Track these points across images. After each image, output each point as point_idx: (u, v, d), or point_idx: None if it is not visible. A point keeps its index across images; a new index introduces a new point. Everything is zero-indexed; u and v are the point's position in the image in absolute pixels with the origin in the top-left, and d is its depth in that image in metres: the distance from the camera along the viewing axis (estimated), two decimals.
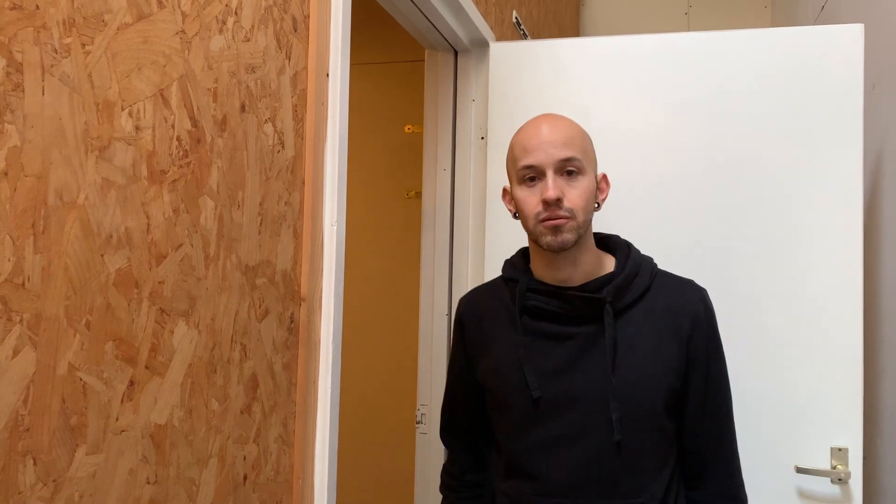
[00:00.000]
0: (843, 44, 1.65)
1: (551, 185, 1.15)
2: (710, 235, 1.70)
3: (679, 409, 1.22)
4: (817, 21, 2.43)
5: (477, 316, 1.31)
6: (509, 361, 1.22)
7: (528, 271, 1.26)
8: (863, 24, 1.64)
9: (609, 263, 1.25)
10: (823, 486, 1.61)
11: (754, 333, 1.67)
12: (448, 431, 1.41)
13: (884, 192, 1.74)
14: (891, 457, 1.66)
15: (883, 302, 1.73)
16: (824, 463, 1.61)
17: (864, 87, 1.89)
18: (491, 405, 1.28)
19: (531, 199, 1.18)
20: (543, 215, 1.16)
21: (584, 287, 1.20)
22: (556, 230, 1.15)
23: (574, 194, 1.16)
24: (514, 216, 1.25)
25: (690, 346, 1.20)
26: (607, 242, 1.29)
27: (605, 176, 1.26)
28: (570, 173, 1.17)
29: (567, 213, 1.15)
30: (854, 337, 1.61)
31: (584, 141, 1.21)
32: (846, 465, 1.59)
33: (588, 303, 1.19)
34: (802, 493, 1.62)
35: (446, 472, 1.40)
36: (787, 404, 1.64)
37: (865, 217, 1.84)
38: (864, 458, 1.78)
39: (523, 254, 1.31)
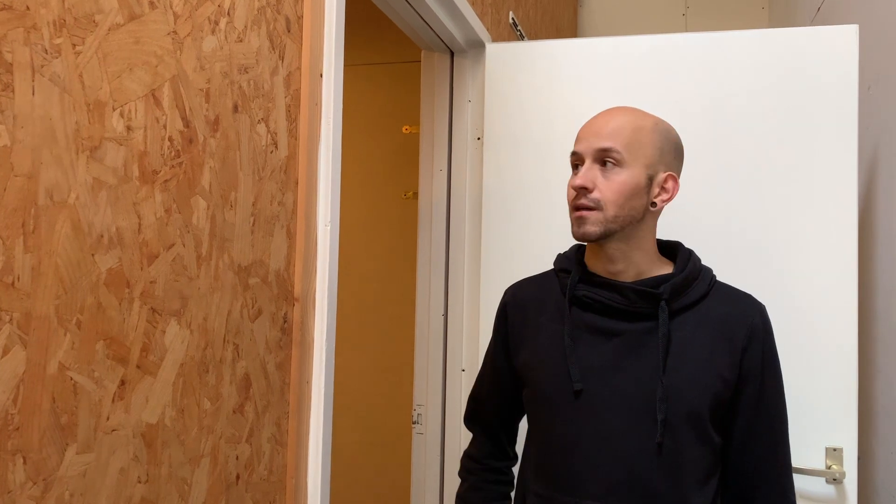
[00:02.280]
0: (838, 45, 1.65)
1: (581, 174, 1.15)
2: (704, 235, 1.70)
3: (728, 425, 1.17)
4: (813, 22, 2.44)
5: (522, 305, 1.28)
6: (553, 353, 1.19)
7: (582, 264, 1.24)
8: (857, 25, 1.64)
9: (668, 268, 1.22)
10: (818, 486, 1.61)
11: None
12: (472, 420, 1.38)
13: (879, 193, 1.74)
14: (886, 457, 1.67)
15: (878, 302, 1.73)
16: (819, 463, 1.61)
17: (860, 87, 1.89)
18: (528, 398, 1.24)
19: (569, 185, 1.18)
20: (573, 203, 1.16)
21: (639, 282, 1.18)
22: (580, 220, 1.15)
23: (605, 186, 1.14)
24: None
25: (744, 359, 1.16)
26: (670, 249, 1.25)
27: (672, 176, 1.18)
28: (605, 164, 1.15)
29: (592, 204, 1.14)
30: (849, 337, 1.61)
31: (638, 135, 1.15)
32: (841, 465, 1.59)
33: (643, 297, 1.15)
34: (797, 493, 1.62)
35: (467, 456, 1.36)
36: None
37: (860, 217, 1.84)
38: (859, 458, 1.79)
39: (578, 248, 1.29)
